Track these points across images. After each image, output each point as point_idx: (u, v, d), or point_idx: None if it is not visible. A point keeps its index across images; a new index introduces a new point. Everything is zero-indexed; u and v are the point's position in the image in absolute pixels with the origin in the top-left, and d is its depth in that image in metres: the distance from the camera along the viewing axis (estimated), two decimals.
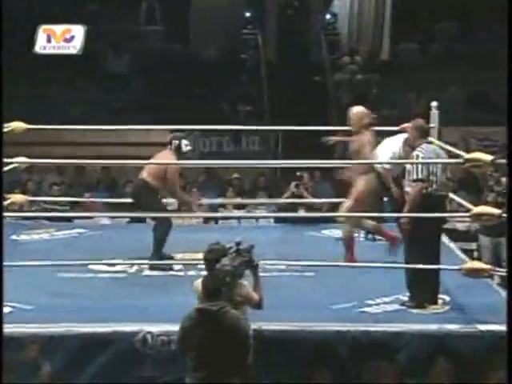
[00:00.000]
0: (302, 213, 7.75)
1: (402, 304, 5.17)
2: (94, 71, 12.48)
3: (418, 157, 5.22)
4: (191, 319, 4.10)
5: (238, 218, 9.15)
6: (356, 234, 6.33)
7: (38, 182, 10.64)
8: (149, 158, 7.92)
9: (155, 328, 4.74)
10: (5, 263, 5.51)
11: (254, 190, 10.75)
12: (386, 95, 12.58)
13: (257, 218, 8.95)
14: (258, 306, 4.42)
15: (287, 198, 7.99)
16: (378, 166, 6.30)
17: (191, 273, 5.91)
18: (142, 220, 8.62)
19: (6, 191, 7.70)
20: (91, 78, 12.25)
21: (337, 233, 7.34)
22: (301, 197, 7.89)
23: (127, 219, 8.82)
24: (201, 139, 11.87)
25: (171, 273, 5.94)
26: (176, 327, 4.59)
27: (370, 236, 7.06)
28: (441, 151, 5.50)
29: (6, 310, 5.04)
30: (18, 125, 7.39)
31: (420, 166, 5.17)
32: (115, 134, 10.53)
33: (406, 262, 5.22)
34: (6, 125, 7.27)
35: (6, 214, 7.49)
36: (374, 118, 6.44)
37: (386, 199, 6.99)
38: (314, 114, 11.85)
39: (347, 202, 6.22)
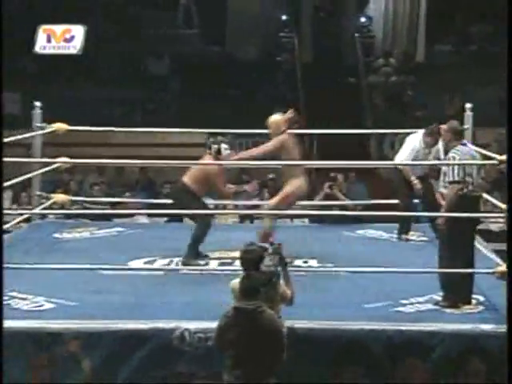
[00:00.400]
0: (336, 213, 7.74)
1: (436, 303, 5.15)
2: (134, 73, 12.59)
3: (453, 159, 5.20)
4: (228, 317, 4.13)
5: (276, 216, 9.11)
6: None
7: (80, 181, 10.77)
8: (186, 158, 8.00)
9: (192, 325, 4.76)
10: (49, 264, 5.63)
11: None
12: (420, 97, 12.52)
13: (291, 218, 8.94)
14: (290, 301, 4.45)
15: (321, 198, 7.99)
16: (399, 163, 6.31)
17: (227, 271, 5.93)
18: (179, 219, 8.69)
19: (48, 191, 7.83)
20: (132, 80, 12.35)
21: (371, 233, 7.34)
22: (334, 197, 7.89)
23: (165, 218, 8.89)
24: (236, 141, 11.91)
25: (208, 271, 5.96)
26: (213, 324, 4.63)
27: (402, 237, 7.04)
28: (475, 153, 5.47)
29: (49, 305, 5.13)
30: (60, 126, 7.50)
31: (456, 167, 5.14)
32: (154, 136, 10.62)
33: (441, 262, 5.19)
34: (48, 126, 7.41)
35: (48, 211, 7.66)
36: (295, 120, 6.42)
37: (417, 200, 6.99)
38: (348, 116, 11.83)
39: (273, 200, 6.23)
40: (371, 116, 12.31)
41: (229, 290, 4.48)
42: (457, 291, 5.12)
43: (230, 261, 6.19)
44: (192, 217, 6.39)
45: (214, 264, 6.19)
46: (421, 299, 5.25)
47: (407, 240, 7.03)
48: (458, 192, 5.11)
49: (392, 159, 7.35)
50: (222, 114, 11.76)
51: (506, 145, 4.87)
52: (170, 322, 4.80)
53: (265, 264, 4.26)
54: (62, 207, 8.42)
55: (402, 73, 13.21)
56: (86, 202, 9.28)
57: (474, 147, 5.81)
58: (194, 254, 6.17)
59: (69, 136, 7.87)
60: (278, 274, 4.29)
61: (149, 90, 12.74)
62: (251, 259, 4.36)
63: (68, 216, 8.02)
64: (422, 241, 6.93)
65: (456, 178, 5.12)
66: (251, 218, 9.16)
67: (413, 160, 6.75)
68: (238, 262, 5.94)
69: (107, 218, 8.30)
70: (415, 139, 6.88)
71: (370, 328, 4.75)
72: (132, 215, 8.85)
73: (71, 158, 7.15)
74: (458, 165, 5.12)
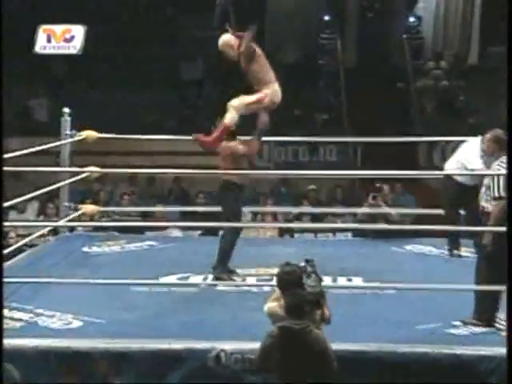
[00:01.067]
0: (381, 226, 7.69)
1: (463, 322, 5.05)
2: (168, 77, 12.67)
3: (499, 171, 5.05)
4: (273, 337, 4.12)
5: (315, 232, 9.14)
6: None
7: (110, 191, 10.85)
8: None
9: (229, 345, 4.76)
10: (78, 279, 5.67)
11: (331, 202, 10.73)
12: (473, 102, 12.41)
13: (334, 232, 8.92)
14: (328, 321, 4.43)
15: (364, 211, 7.95)
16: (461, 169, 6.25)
17: (266, 288, 5.93)
18: (214, 233, 8.70)
19: (77, 201, 7.90)
20: (165, 85, 12.44)
21: (419, 248, 7.28)
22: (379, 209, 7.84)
23: (199, 232, 8.91)
24: (276, 149, 11.92)
25: (245, 288, 5.96)
26: (250, 345, 4.63)
27: (454, 252, 6.97)
28: None
29: (76, 323, 5.17)
30: (89, 134, 7.57)
31: (502, 181, 4.97)
32: (187, 143, 10.65)
33: (478, 279, 5.09)
34: (77, 133, 7.49)
35: (77, 223, 7.73)
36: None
37: (462, 212, 6.90)
38: (395, 123, 11.77)
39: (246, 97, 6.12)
40: (420, 123, 12.23)
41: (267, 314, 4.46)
42: (488, 310, 5.05)
43: (268, 277, 6.18)
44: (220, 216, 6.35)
45: (251, 281, 6.18)
46: (474, 320, 5.19)
47: (460, 256, 6.95)
48: (504, 209, 4.90)
49: (443, 169, 7.29)
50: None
51: (507, 143, 4.72)
52: (204, 342, 4.80)
53: (308, 285, 4.25)
54: (91, 219, 8.49)
55: (454, 76, 13.11)
56: (116, 213, 9.35)
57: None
58: (222, 267, 6.15)
59: (99, 144, 7.94)
60: (323, 293, 4.27)
61: (183, 94, 12.81)
62: (289, 281, 4.33)
63: (97, 228, 8.08)
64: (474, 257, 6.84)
65: (502, 194, 4.95)
66: (291, 231, 9.15)
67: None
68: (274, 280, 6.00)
69: (138, 230, 8.34)
70: (472, 147, 6.70)
71: (420, 351, 4.72)
72: (164, 228, 8.89)
73: (101, 167, 7.21)
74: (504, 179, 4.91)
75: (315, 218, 9.59)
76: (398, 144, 9.76)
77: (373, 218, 7.80)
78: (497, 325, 5.04)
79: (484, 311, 5.08)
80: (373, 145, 10.46)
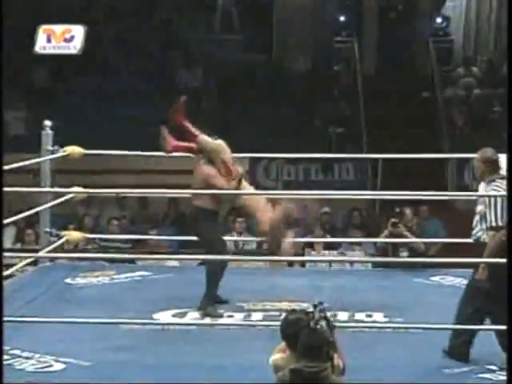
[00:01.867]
0: (404, 256, 7.69)
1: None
2: (163, 85, 12.70)
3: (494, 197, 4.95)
4: (285, 382, 4.10)
5: (329, 262, 9.13)
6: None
7: (96, 216, 10.88)
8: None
9: None
10: (60, 317, 5.65)
11: (347, 227, 10.72)
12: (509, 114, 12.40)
13: (351, 262, 8.92)
14: (343, 372, 4.39)
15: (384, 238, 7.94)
16: None
17: (274, 326, 5.91)
18: None
19: (59, 227, 7.92)
20: (160, 94, 12.48)
21: (449, 280, 7.26)
22: (400, 237, 7.82)
23: (198, 261, 8.91)
24: (285, 166, 11.96)
25: (251, 325, 5.95)
26: None
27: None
28: None
29: (59, 366, 5.16)
30: (74, 149, 7.59)
31: (499, 208, 4.90)
32: (185, 161, 10.69)
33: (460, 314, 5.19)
34: (60, 149, 7.51)
35: (60, 254, 7.73)
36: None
37: None
38: (421, 137, 11.78)
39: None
40: (449, 137, 12.23)
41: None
42: (462, 346, 5.18)
43: (277, 313, 6.17)
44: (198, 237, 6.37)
45: (257, 317, 6.18)
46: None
47: None
48: (502, 240, 4.81)
49: (475, 190, 7.29)
50: (268, 135, 11.80)
51: (506, 145, 4.76)
52: None
53: (320, 324, 4.21)
54: (76, 247, 8.49)
55: (487, 85, 13.12)
56: (103, 240, 9.35)
57: None
58: (210, 298, 6.16)
59: (84, 161, 7.96)
60: (334, 344, 4.24)
61: None
62: (293, 334, 4.29)
63: (83, 258, 8.09)
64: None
65: (499, 223, 4.88)
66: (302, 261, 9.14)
67: None
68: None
69: (129, 259, 8.34)
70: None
71: None
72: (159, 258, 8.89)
73: (86, 187, 7.23)
74: (501, 205, 4.85)
75: (329, 245, 9.59)
76: (424, 161, 9.77)
77: (395, 247, 7.79)
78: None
79: (458, 346, 5.17)
80: (395, 162, 10.47)
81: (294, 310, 4.40)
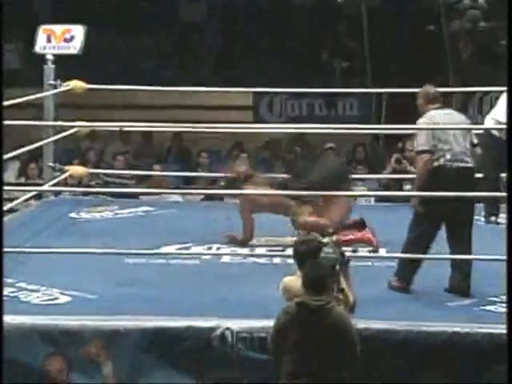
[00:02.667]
0: (408, 190, 7.69)
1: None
2: (165, 20, 12.56)
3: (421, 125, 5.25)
4: (289, 315, 4.13)
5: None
6: None
7: (100, 151, 10.87)
8: (228, 123, 7.97)
9: (235, 324, 4.79)
10: (64, 248, 5.70)
11: (351, 162, 10.70)
12: None
13: (354, 197, 8.92)
14: (352, 309, 4.43)
15: (388, 173, 7.95)
16: (495, 123, 6.28)
17: (276, 260, 5.96)
18: (219, 197, 8.71)
19: (63, 162, 7.92)
20: (162, 28, 12.35)
21: None
22: (405, 173, 7.82)
23: (202, 196, 8.93)
24: (289, 102, 11.90)
25: (254, 260, 5.99)
26: (260, 323, 4.68)
27: (492, 219, 6.96)
28: (458, 116, 5.44)
29: (64, 298, 5.21)
30: (76, 84, 7.55)
31: (424, 135, 5.17)
32: (189, 96, 10.65)
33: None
34: (64, 84, 7.47)
35: (64, 188, 7.74)
36: None
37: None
38: (425, 71, 11.67)
39: None
40: (454, 71, 12.14)
41: (278, 282, 4.49)
42: (409, 273, 5.29)
43: (280, 248, 6.21)
44: None
45: (261, 252, 6.21)
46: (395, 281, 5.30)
47: (497, 223, 6.95)
48: (428, 164, 5.11)
49: (481, 124, 7.26)
50: (270, 70, 11.72)
51: (507, 140, 4.99)
52: (208, 320, 4.83)
53: (324, 251, 4.26)
54: (80, 182, 8.50)
55: (494, 17, 12.97)
56: (107, 175, 9.36)
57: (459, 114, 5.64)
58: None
59: (87, 96, 7.93)
60: (341, 261, 4.28)
61: (182, 40, 12.74)
62: (306, 251, 4.35)
63: (86, 192, 8.11)
64: None
65: (425, 147, 5.15)
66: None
67: None
68: (289, 251, 6.02)
69: (133, 194, 8.36)
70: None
71: (452, 330, 4.76)
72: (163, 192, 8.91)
73: (90, 122, 7.22)
74: (427, 132, 5.15)
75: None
76: None
77: (398, 182, 7.80)
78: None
79: (405, 272, 5.30)
80: (399, 97, 10.39)
81: (307, 235, 4.47)
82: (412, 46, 12.48)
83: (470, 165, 5.35)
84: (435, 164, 5.22)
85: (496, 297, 5.25)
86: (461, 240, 5.42)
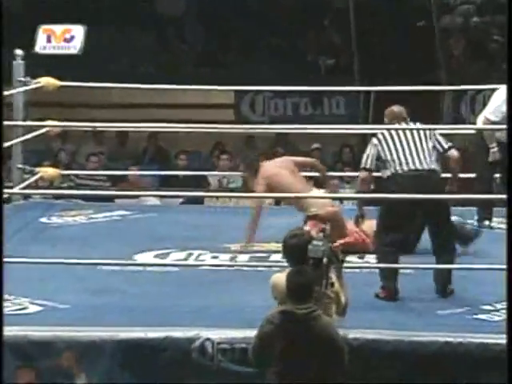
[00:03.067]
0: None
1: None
2: (142, 13, 12.55)
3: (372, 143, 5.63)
4: (273, 324, 4.13)
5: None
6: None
7: (73, 152, 10.85)
8: (207, 123, 7.94)
9: (216, 334, 4.79)
10: (35, 257, 5.67)
11: (338, 164, 10.74)
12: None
13: (341, 200, 8.94)
14: (343, 312, 4.44)
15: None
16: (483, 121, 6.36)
17: (261, 267, 5.96)
18: (197, 201, 8.72)
19: (34, 163, 7.90)
20: (139, 23, 12.34)
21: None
22: None
23: (181, 199, 8.93)
24: (272, 100, 11.91)
25: (236, 267, 5.99)
26: (241, 333, 4.67)
27: (485, 223, 7.00)
28: (414, 126, 5.67)
29: (34, 308, 5.19)
30: (48, 81, 7.53)
31: (368, 152, 5.61)
32: (167, 94, 10.65)
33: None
34: (34, 80, 7.45)
35: (34, 191, 7.72)
36: None
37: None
38: (416, 68, 11.72)
39: None
40: (445, 69, 12.20)
41: (263, 291, 4.49)
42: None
43: (265, 255, 6.21)
44: None
45: (244, 258, 6.21)
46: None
47: (491, 228, 6.98)
48: (364, 182, 5.67)
49: (473, 124, 7.30)
50: (253, 67, 11.74)
51: (507, 142, 5.06)
52: (187, 330, 4.83)
53: (313, 244, 4.26)
54: (51, 184, 8.47)
55: (487, 12, 13.04)
56: (80, 177, 9.35)
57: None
58: None
59: (59, 94, 7.91)
60: (329, 255, 4.27)
61: (160, 34, 12.73)
62: (296, 245, 4.37)
63: (58, 196, 8.08)
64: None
65: (365, 165, 5.61)
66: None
67: (501, 120, 6.68)
68: (274, 256, 6.03)
69: (108, 198, 8.35)
70: (500, 96, 6.78)
71: (444, 340, 4.76)
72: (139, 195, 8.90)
73: (62, 121, 7.20)
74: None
75: (318, 182, 9.59)
76: (419, 94, 9.72)
77: None
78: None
79: (385, 281, 5.44)
80: (388, 95, 10.41)
81: (299, 228, 4.49)
82: (401, 42, 12.53)
83: (426, 168, 5.51)
84: (387, 174, 5.54)
85: (490, 305, 5.26)
86: (441, 245, 5.50)
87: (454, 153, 5.66)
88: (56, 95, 7.91)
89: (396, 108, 5.98)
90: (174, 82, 8.67)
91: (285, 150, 11.11)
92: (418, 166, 5.51)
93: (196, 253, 6.30)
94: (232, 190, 9.55)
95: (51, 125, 7.03)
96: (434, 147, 5.60)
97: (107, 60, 11.86)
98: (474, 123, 7.27)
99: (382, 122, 8.23)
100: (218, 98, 11.27)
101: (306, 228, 4.55)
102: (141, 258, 6.18)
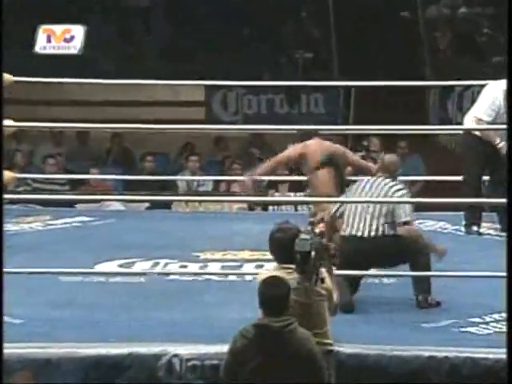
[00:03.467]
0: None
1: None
2: (104, 3, 12.55)
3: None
4: (245, 339, 4.13)
5: (295, 204, 9.19)
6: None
7: (29, 153, 10.81)
8: (174, 122, 7.94)
9: (184, 350, 4.78)
10: None
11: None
12: (500, 36, 12.43)
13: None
14: (336, 309, 4.47)
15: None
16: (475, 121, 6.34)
17: (232, 277, 5.97)
18: (166, 206, 8.72)
19: None
20: (101, 13, 12.32)
21: (429, 224, 7.33)
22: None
23: (146, 204, 8.92)
24: (246, 97, 11.93)
25: (206, 277, 6.00)
26: (213, 348, 4.67)
27: (473, 229, 7.04)
28: (378, 186, 5.70)
29: None
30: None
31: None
32: (132, 90, 10.65)
33: None
34: None
35: None
36: None
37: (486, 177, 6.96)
38: (399, 63, 11.78)
39: None
40: (431, 63, 12.27)
41: (236, 302, 4.49)
42: None
43: (237, 264, 6.22)
44: None
45: (214, 268, 6.21)
46: (498, 316, 5.27)
47: (479, 234, 7.02)
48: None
49: (460, 123, 7.35)
50: (224, 61, 11.74)
51: (506, 143, 5.08)
52: (153, 346, 4.82)
53: (300, 238, 4.28)
54: (5, 188, 8.42)
55: (476, 3, 13.13)
56: (37, 180, 9.31)
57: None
58: None
59: (14, 91, 7.88)
60: (317, 247, 4.28)
61: (124, 26, 12.72)
62: (282, 240, 4.37)
63: (13, 200, 8.05)
64: (498, 235, 6.93)
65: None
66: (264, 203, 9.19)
67: (494, 119, 6.72)
68: (247, 267, 6.05)
69: (67, 203, 8.33)
70: (496, 90, 6.80)
71: (428, 355, 4.77)
72: (100, 200, 8.88)
73: (17, 120, 7.16)
74: None
75: (296, 185, 9.62)
76: (403, 90, 9.79)
77: None
78: None
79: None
80: (370, 91, 10.48)
81: (286, 221, 4.50)
82: (384, 34, 12.58)
83: (366, 236, 5.57)
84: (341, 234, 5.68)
85: (479, 317, 5.28)
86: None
87: (402, 229, 5.61)
88: (11, 92, 7.87)
89: (388, 159, 5.94)
90: (138, 77, 8.67)
91: (260, 151, 11.17)
92: (358, 233, 5.58)
93: (163, 262, 6.30)
94: (202, 194, 9.55)
95: (6, 125, 6.99)
96: (388, 214, 5.61)
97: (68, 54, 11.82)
98: (462, 122, 7.30)
99: (363, 121, 8.31)
100: (187, 95, 11.27)
101: (317, 230, 4.56)
102: (103, 267, 6.17)
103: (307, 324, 4.22)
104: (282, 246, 4.40)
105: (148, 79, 8.65)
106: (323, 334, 4.36)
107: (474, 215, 7.05)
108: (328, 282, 4.40)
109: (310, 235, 4.36)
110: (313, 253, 4.28)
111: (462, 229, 7.14)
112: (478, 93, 7.19)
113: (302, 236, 4.34)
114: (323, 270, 4.38)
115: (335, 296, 4.45)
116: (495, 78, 7.04)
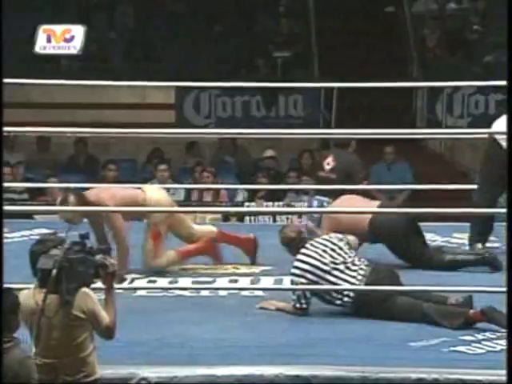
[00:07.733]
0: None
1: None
2: None
3: None
4: None
5: (273, 214, 9.22)
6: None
7: None
8: (143, 126, 7.93)
9: (153, 372, 4.80)
10: None
11: (295, 172, 10.78)
12: (492, 34, 12.52)
13: (300, 215, 9.01)
14: (109, 333, 4.41)
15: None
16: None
17: (205, 293, 5.98)
18: (135, 217, 8.69)
19: None
20: (61, 8, 12.31)
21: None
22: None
23: None
24: (219, 99, 11.95)
25: (176, 293, 6.00)
26: (183, 371, 4.67)
27: (477, 246, 7.00)
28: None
29: None
30: None
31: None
32: (95, 91, 10.65)
33: None
34: None
35: None
36: None
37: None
38: (385, 61, 11.84)
39: None
40: (419, 62, 12.34)
41: (208, 320, 4.48)
42: None
43: (209, 279, 6.23)
44: None
45: (184, 283, 6.22)
46: (492, 335, 5.31)
47: (481, 255, 6.86)
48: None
49: (450, 126, 7.37)
50: (196, 60, 11.76)
51: (507, 144, 5.19)
52: (120, 369, 4.83)
53: (49, 253, 4.27)
54: None
55: None
56: None
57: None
58: None
59: None
60: (76, 273, 4.25)
61: (86, 22, 12.72)
62: (38, 251, 4.36)
63: None
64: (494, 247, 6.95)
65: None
66: (240, 213, 9.21)
67: None
68: (220, 282, 6.06)
69: (25, 214, 8.31)
70: None
71: (416, 377, 4.80)
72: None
73: None
74: None
75: (273, 195, 9.65)
76: (388, 92, 9.83)
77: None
78: None
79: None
80: (353, 93, 10.53)
81: (54, 233, 4.48)
82: (368, 31, 12.65)
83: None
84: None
85: (470, 335, 5.31)
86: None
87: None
88: None
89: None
90: (102, 78, 8.67)
91: (234, 158, 11.20)
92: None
93: (129, 277, 6.29)
94: None
95: None
96: None
97: (23, 51, 11.83)
98: (451, 126, 7.32)
99: (345, 124, 8.35)
100: (155, 97, 11.29)
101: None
102: None
103: (62, 349, 4.21)
104: (34, 261, 4.37)
105: (112, 79, 8.66)
106: (80, 360, 4.29)
107: (483, 230, 6.82)
108: (90, 303, 4.33)
109: (64, 251, 4.29)
110: (54, 271, 4.24)
111: (452, 241, 7.15)
112: (469, 94, 7.21)
113: (52, 252, 4.30)
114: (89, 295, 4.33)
115: (106, 316, 4.39)
116: (485, 78, 7.07)
